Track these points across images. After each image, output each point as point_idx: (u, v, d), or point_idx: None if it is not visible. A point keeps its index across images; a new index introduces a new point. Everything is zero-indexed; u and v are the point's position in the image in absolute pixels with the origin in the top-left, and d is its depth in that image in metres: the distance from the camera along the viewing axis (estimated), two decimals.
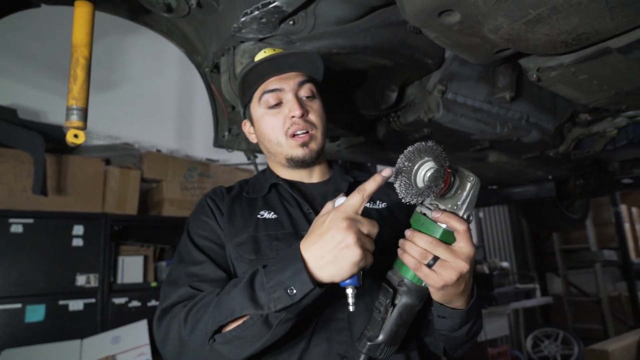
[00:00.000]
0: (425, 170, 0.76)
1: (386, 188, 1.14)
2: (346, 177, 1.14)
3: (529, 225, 5.23)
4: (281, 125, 1.06)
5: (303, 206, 1.04)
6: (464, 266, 0.77)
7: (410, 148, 0.77)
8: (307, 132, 1.05)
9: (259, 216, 1.03)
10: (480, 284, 4.84)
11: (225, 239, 1.01)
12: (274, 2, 1.23)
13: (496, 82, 1.81)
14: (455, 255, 0.76)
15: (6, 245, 2.66)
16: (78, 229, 2.91)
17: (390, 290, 0.82)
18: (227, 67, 1.48)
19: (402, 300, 0.82)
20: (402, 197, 0.76)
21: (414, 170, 0.77)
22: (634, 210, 7.21)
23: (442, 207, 0.79)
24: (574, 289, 7.19)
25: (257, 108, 1.11)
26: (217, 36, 1.48)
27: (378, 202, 1.12)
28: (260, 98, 1.09)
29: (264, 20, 1.29)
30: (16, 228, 2.70)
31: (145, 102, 3.96)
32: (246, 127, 1.20)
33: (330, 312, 0.91)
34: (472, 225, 6.98)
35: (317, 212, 0.98)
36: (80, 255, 2.88)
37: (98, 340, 2.70)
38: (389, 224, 1.05)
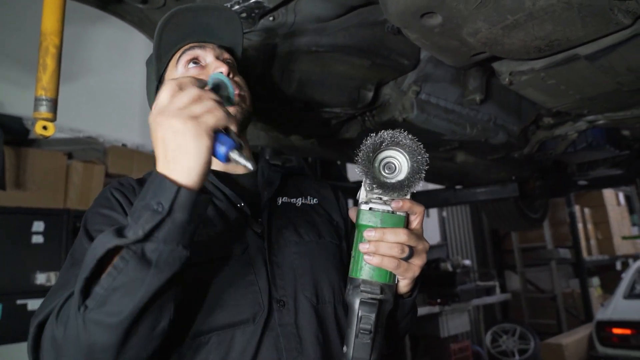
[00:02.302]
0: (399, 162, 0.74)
1: (316, 185, 1.10)
2: (276, 168, 1.05)
3: (491, 223, 5.40)
4: None
5: (233, 199, 0.92)
6: (427, 246, 0.76)
7: (385, 134, 0.73)
8: (238, 94, 0.92)
9: None
10: (444, 282, 4.98)
11: None
12: None
13: (467, 85, 1.86)
14: (420, 238, 0.76)
15: None
16: (38, 225, 2.79)
17: (375, 302, 0.73)
18: None
19: (384, 307, 0.75)
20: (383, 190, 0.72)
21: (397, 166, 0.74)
22: (587, 210, 7.60)
23: (385, 197, 0.75)
24: (530, 286, 7.51)
25: (174, 71, 0.97)
26: None
27: (309, 197, 1.05)
28: (178, 60, 0.97)
29: (244, 15, 1.28)
30: None
31: (109, 94, 3.84)
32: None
33: (277, 317, 0.82)
34: (435, 224, 7.11)
35: (249, 206, 0.91)
36: (40, 252, 2.77)
37: None
38: (324, 220, 1.01)
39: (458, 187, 3.33)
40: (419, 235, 0.76)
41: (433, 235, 6.83)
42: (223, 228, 0.87)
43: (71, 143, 3.27)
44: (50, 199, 2.91)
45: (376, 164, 0.74)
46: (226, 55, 0.99)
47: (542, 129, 2.34)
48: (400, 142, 0.72)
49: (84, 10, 1.59)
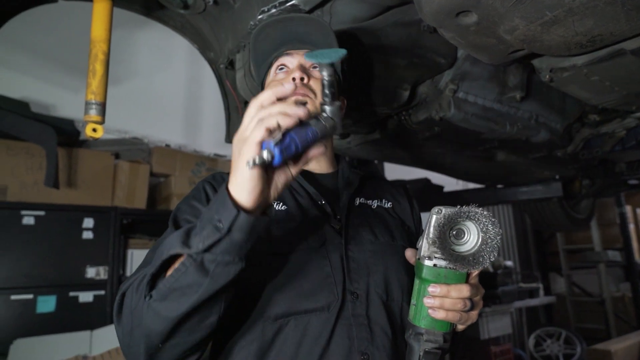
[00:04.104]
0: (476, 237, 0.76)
1: (392, 189, 1.17)
2: (356, 171, 1.12)
3: (534, 224, 5.23)
4: None
5: (314, 197, 1.00)
6: (483, 292, 0.81)
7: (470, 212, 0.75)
8: (303, 95, 1.00)
9: None
10: (484, 283, 4.86)
11: None
12: (291, 0, 1.25)
13: (507, 82, 1.82)
14: (478, 288, 0.80)
15: (18, 237, 2.70)
16: (88, 222, 2.95)
17: (438, 351, 0.78)
18: (242, 64, 1.50)
19: (444, 352, 0.81)
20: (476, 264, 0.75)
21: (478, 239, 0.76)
22: (639, 211, 7.21)
23: (446, 254, 0.76)
24: (577, 289, 7.20)
25: (267, 81, 1.10)
26: (233, 33, 1.50)
27: (384, 200, 1.11)
28: (270, 72, 1.10)
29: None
30: (28, 220, 2.74)
31: (153, 97, 3.99)
32: None
33: (351, 307, 0.89)
34: None
35: (329, 204, 0.99)
36: (90, 247, 2.93)
37: (107, 331, 2.74)
38: (397, 224, 1.07)
39: (499, 186, 3.25)
40: (477, 285, 0.81)
41: (500, 228, 6.68)
42: (304, 222, 0.95)
43: (118, 144, 3.42)
44: (99, 196, 3.06)
45: (448, 232, 0.76)
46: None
47: (587, 127, 2.25)
48: (477, 217, 0.75)
49: (129, 17, 1.67)
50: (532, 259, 7.64)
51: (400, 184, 1.23)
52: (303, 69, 1.04)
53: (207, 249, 0.66)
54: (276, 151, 0.61)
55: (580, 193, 3.33)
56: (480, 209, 0.74)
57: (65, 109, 3.38)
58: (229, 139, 2.00)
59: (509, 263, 5.61)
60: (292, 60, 1.07)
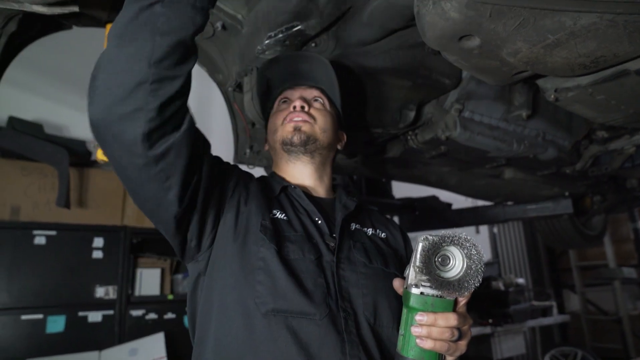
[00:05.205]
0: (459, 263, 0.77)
1: (385, 221, 1.20)
2: (352, 198, 1.15)
3: (546, 241, 5.17)
4: (283, 116, 1.13)
5: (312, 214, 1.04)
6: (471, 322, 0.82)
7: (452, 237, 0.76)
8: (302, 119, 1.09)
9: (272, 213, 1.02)
10: (495, 301, 4.79)
11: (230, 202, 1.00)
12: (297, 25, 1.27)
13: (513, 101, 1.83)
14: (466, 318, 0.80)
15: (30, 257, 2.73)
16: (98, 241, 2.98)
17: None
18: (250, 87, 1.52)
19: None
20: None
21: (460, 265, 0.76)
22: None
23: (432, 281, 0.76)
24: (591, 307, 7.05)
25: (272, 112, 1.20)
26: (241, 57, 1.53)
27: (378, 230, 1.14)
28: (275, 105, 1.20)
29: (287, 42, 1.33)
30: (39, 240, 2.77)
31: None
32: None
33: (343, 324, 0.89)
34: (486, 240, 6.87)
35: (326, 222, 1.02)
36: (99, 267, 2.95)
37: (116, 352, 2.74)
38: (391, 253, 1.09)
39: (509, 203, 3.23)
40: (464, 315, 0.80)
41: (483, 252, 6.60)
42: (302, 234, 0.99)
43: None
44: (109, 216, 3.09)
45: (434, 258, 0.76)
46: (315, 93, 1.18)
47: (595, 144, 2.24)
48: (461, 243, 0.75)
49: None
50: (545, 276, 7.51)
51: (392, 220, 1.27)
52: (304, 99, 1.12)
53: None
54: None
55: (591, 209, 3.29)
56: (464, 234, 0.75)
57: (77, 129, 3.44)
58: (237, 159, 2.02)
59: (521, 280, 5.52)
60: (294, 93, 1.16)
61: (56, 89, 3.48)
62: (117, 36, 0.77)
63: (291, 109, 1.11)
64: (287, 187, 1.10)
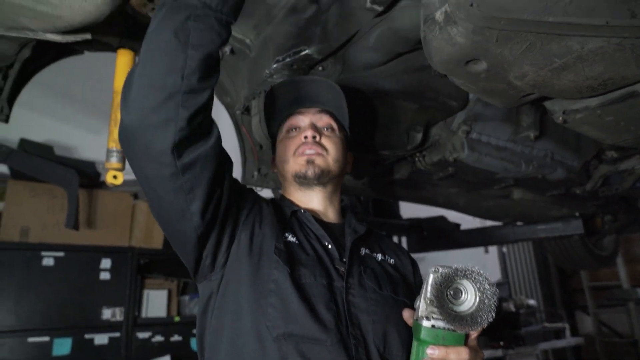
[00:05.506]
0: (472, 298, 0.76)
1: (395, 247, 1.19)
2: (361, 222, 1.15)
3: (557, 262, 5.09)
4: (295, 146, 1.12)
5: (322, 239, 1.04)
6: (483, 355, 0.81)
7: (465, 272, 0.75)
8: (315, 152, 1.09)
9: (285, 236, 1.03)
10: (506, 323, 4.69)
11: (245, 223, 1.01)
12: (305, 50, 1.29)
13: (520, 122, 1.82)
14: (477, 351, 0.79)
15: (38, 278, 2.73)
16: (106, 263, 2.98)
17: None
18: (257, 110, 1.54)
19: None
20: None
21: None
22: None
23: (444, 314, 0.75)
24: (605, 329, 6.89)
25: (280, 137, 1.19)
26: (249, 80, 1.55)
27: (387, 256, 1.13)
28: (283, 129, 1.19)
29: (294, 66, 1.35)
30: (47, 261, 2.78)
31: None
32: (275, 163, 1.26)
33: (353, 350, 0.88)
34: (495, 261, 6.78)
35: (336, 246, 1.02)
36: (107, 288, 2.95)
37: None
38: (400, 280, 1.08)
39: (518, 223, 3.19)
40: (476, 349, 0.80)
41: (493, 273, 6.52)
42: (313, 258, 0.98)
43: (137, 184, 3.48)
44: (117, 236, 3.10)
45: (446, 291, 0.76)
46: (325, 119, 1.17)
47: (605, 164, 2.22)
48: (474, 277, 0.75)
49: None
50: (556, 297, 7.37)
51: (402, 247, 1.26)
52: (315, 127, 1.11)
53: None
54: None
55: (602, 230, 3.25)
56: (477, 268, 0.74)
57: (87, 150, 3.48)
58: (244, 181, 2.03)
59: (532, 302, 5.42)
60: (304, 119, 1.14)
61: (67, 111, 3.54)
62: (150, 50, 0.80)
63: (302, 138, 1.11)
64: (297, 212, 1.11)
